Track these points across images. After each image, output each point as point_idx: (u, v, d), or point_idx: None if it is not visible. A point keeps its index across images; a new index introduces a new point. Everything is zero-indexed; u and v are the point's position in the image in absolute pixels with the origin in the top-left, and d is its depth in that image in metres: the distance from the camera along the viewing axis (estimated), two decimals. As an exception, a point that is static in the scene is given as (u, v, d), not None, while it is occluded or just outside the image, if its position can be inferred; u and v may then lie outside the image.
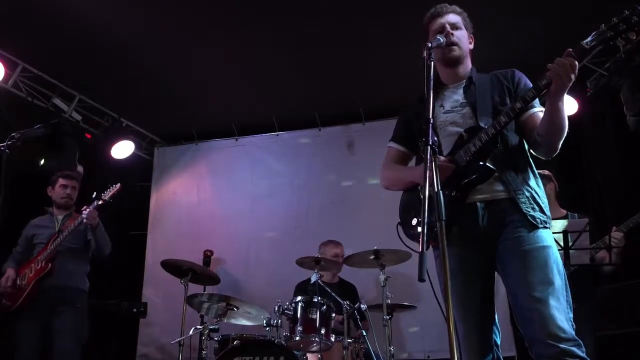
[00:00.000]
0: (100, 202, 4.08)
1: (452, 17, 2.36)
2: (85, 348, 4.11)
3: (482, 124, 2.18)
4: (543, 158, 2.26)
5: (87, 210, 4.04)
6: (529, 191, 2.16)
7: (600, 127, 5.19)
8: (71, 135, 5.75)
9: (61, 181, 4.39)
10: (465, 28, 2.39)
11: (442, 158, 2.14)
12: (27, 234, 4.33)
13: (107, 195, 4.12)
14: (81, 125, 5.93)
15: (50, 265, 4.04)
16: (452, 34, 2.31)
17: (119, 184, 4.16)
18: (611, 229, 3.63)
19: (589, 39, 2.00)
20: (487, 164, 2.13)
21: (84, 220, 4.03)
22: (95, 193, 4.11)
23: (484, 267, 2.21)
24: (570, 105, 4.87)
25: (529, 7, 4.44)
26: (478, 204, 2.17)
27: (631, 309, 4.03)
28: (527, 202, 2.13)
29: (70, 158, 5.58)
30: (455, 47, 2.31)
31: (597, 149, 5.24)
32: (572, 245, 3.36)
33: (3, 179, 3.06)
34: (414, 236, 2.30)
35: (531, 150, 2.27)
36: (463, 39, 2.36)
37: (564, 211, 4.03)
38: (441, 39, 2.20)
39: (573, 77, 1.97)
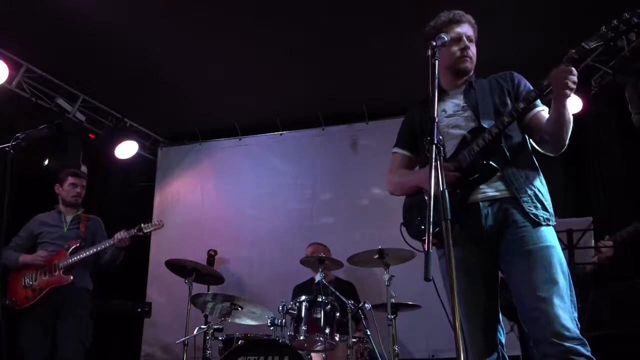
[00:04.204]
0: (139, 234, 4.10)
1: (469, 30, 2.37)
2: (89, 348, 4.08)
3: (485, 126, 2.19)
4: (551, 155, 2.27)
5: (122, 235, 4.03)
6: (531, 189, 2.17)
7: (605, 126, 5.18)
8: (75, 136, 5.77)
9: (70, 179, 4.33)
10: (474, 40, 2.42)
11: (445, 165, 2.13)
12: (32, 230, 4.24)
13: (148, 229, 4.13)
14: (85, 125, 5.94)
15: (72, 277, 4.00)
16: (469, 47, 2.33)
17: (162, 222, 4.22)
18: (619, 228, 3.63)
19: (590, 40, 2.02)
20: (490, 162, 2.14)
21: (114, 243, 4.04)
22: (138, 226, 4.10)
23: (487, 266, 2.22)
24: (574, 104, 4.87)
25: (529, 9, 4.44)
26: (481, 203, 2.17)
27: (630, 309, 4.01)
28: (530, 201, 2.14)
29: (75, 158, 5.60)
30: (468, 59, 2.34)
31: (601, 147, 5.22)
32: (576, 244, 3.36)
33: (8, 179, 3.06)
34: (417, 236, 2.31)
35: (538, 147, 2.28)
36: (475, 52, 2.39)
37: None
38: (445, 37, 2.18)
39: (573, 85, 1.99)
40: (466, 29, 2.36)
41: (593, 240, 3.59)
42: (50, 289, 3.98)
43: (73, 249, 4.10)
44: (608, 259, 3.67)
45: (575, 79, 1.99)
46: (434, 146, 1.75)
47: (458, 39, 2.33)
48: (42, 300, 3.98)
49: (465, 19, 2.39)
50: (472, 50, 2.37)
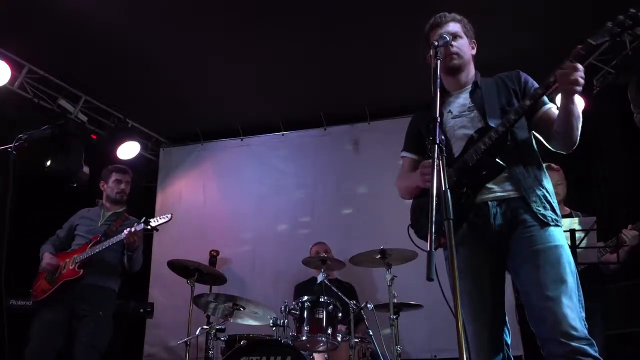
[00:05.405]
0: (147, 228, 3.94)
1: (452, 27, 2.37)
2: (103, 350, 3.95)
3: (492, 125, 2.18)
4: (562, 152, 2.27)
5: (130, 231, 3.87)
6: (540, 190, 2.17)
7: (607, 125, 5.16)
8: (77, 136, 5.77)
9: (115, 175, 4.29)
10: (466, 35, 2.41)
11: None
12: (72, 223, 4.23)
13: (156, 223, 3.97)
14: (87, 126, 5.93)
15: (82, 271, 3.90)
16: (451, 45, 2.31)
17: (171, 215, 4.01)
18: (621, 228, 3.61)
19: (596, 36, 2.02)
20: (497, 159, 2.13)
21: (124, 239, 3.90)
22: (144, 218, 3.96)
23: (494, 266, 2.21)
24: (579, 103, 4.86)
25: (529, 9, 4.44)
26: (490, 203, 2.17)
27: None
28: (539, 201, 2.14)
29: (77, 159, 5.59)
30: (455, 56, 2.33)
31: (603, 147, 5.21)
32: (579, 244, 3.34)
33: (11, 179, 3.07)
34: (426, 237, 2.29)
35: (548, 145, 2.28)
36: (463, 47, 2.38)
37: (568, 209, 4.02)
38: (447, 36, 2.22)
39: (581, 80, 1.99)
40: (449, 27, 2.36)
41: (596, 241, 3.57)
42: (63, 282, 3.91)
43: (92, 243, 4.01)
44: (632, 250, 3.65)
45: (582, 74, 1.99)
46: (436, 146, 1.74)
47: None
48: (56, 294, 3.90)
49: (449, 18, 2.40)
50: (457, 44, 2.35)
